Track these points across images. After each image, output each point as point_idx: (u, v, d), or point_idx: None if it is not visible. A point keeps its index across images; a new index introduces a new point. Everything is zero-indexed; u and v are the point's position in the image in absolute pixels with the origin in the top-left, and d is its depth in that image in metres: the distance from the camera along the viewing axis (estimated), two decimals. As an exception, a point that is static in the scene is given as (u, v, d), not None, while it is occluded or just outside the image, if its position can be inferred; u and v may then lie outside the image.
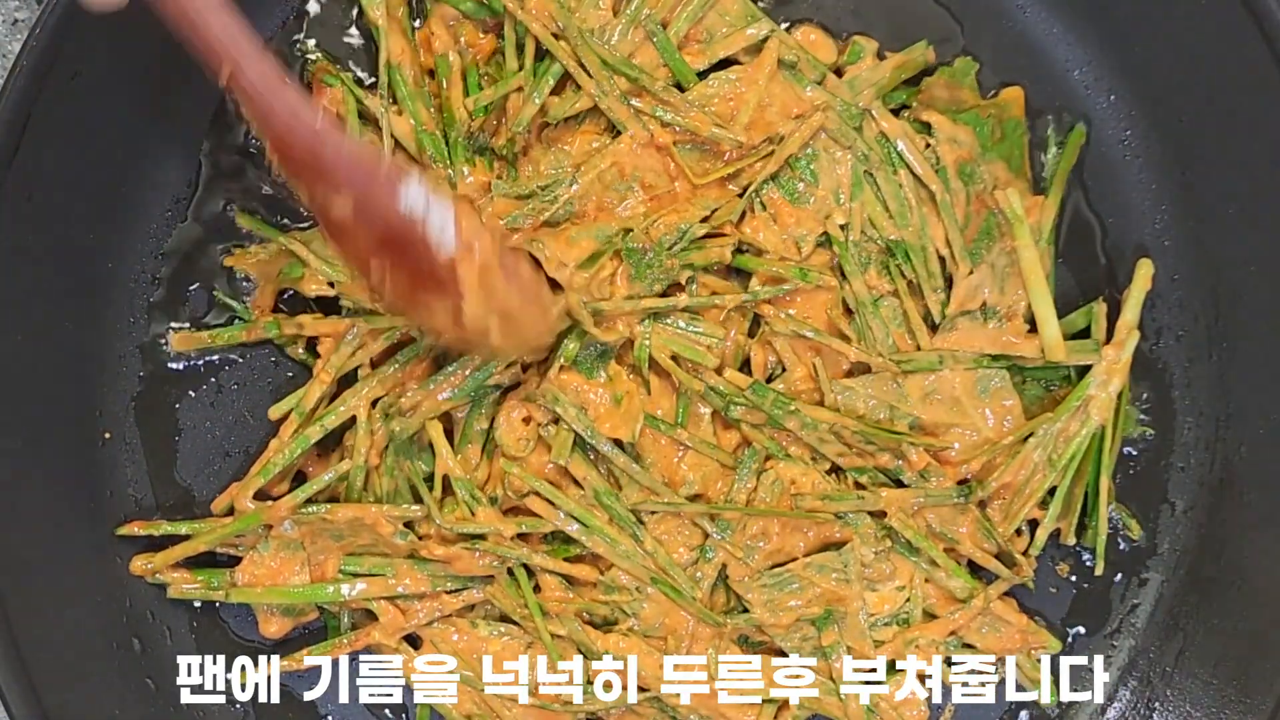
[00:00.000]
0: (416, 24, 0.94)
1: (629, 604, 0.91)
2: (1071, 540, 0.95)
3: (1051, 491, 0.93)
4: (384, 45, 0.91)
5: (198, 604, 0.93)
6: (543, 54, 0.91)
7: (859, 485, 0.92)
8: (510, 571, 0.90)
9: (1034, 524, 0.95)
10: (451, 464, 0.89)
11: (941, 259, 0.93)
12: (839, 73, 0.94)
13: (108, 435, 0.93)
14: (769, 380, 0.92)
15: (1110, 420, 0.92)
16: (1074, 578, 0.98)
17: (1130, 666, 0.98)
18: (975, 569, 0.95)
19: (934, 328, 0.93)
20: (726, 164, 0.91)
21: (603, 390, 0.89)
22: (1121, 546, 0.98)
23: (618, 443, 0.89)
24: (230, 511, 0.91)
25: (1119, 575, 0.98)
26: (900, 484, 0.92)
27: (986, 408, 0.93)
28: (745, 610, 0.91)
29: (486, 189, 0.90)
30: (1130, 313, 0.94)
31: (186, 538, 0.91)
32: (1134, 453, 0.98)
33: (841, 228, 0.92)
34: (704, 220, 0.90)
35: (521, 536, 0.90)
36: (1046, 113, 0.97)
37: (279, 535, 0.90)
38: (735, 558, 0.90)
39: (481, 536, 0.89)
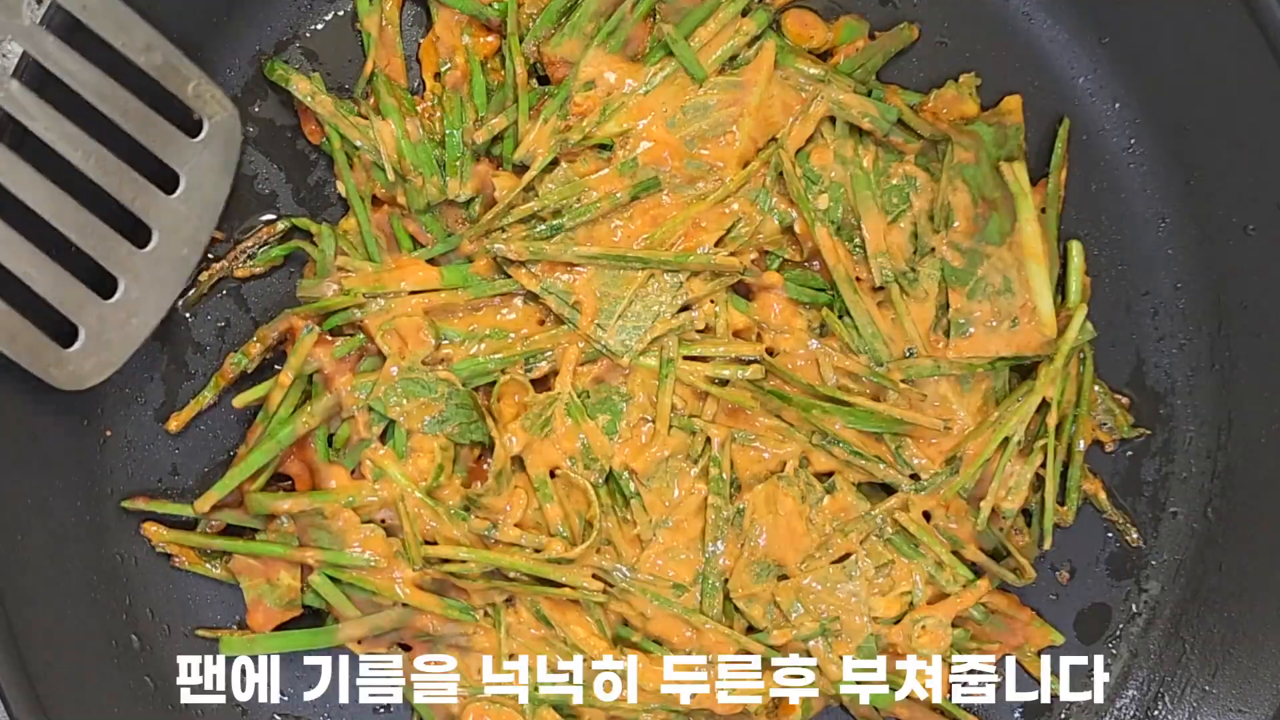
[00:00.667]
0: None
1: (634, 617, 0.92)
2: (1070, 520, 0.96)
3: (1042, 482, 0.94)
4: (371, 54, 0.92)
5: (193, 604, 0.94)
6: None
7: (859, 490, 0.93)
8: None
9: (1028, 516, 0.95)
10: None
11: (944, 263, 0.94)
12: (830, 54, 0.95)
13: (108, 433, 0.93)
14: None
15: (1057, 395, 0.92)
16: (1074, 584, 0.98)
17: (1130, 673, 0.98)
18: (979, 575, 0.95)
19: (947, 332, 0.94)
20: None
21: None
22: (1122, 554, 0.99)
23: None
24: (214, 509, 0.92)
25: (1119, 582, 0.99)
26: (891, 491, 0.93)
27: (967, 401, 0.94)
28: (753, 629, 0.92)
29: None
30: (1073, 295, 0.95)
31: (189, 523, 0.93)
32: (1130, 453, 0.98)
33: (839, 230, 0.92)
34: (716, 244, 0.90)
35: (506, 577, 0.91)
36: (1050, 120, 0.97)
37: (276, 528, 0.91)
38: (738, 577, 0.91)
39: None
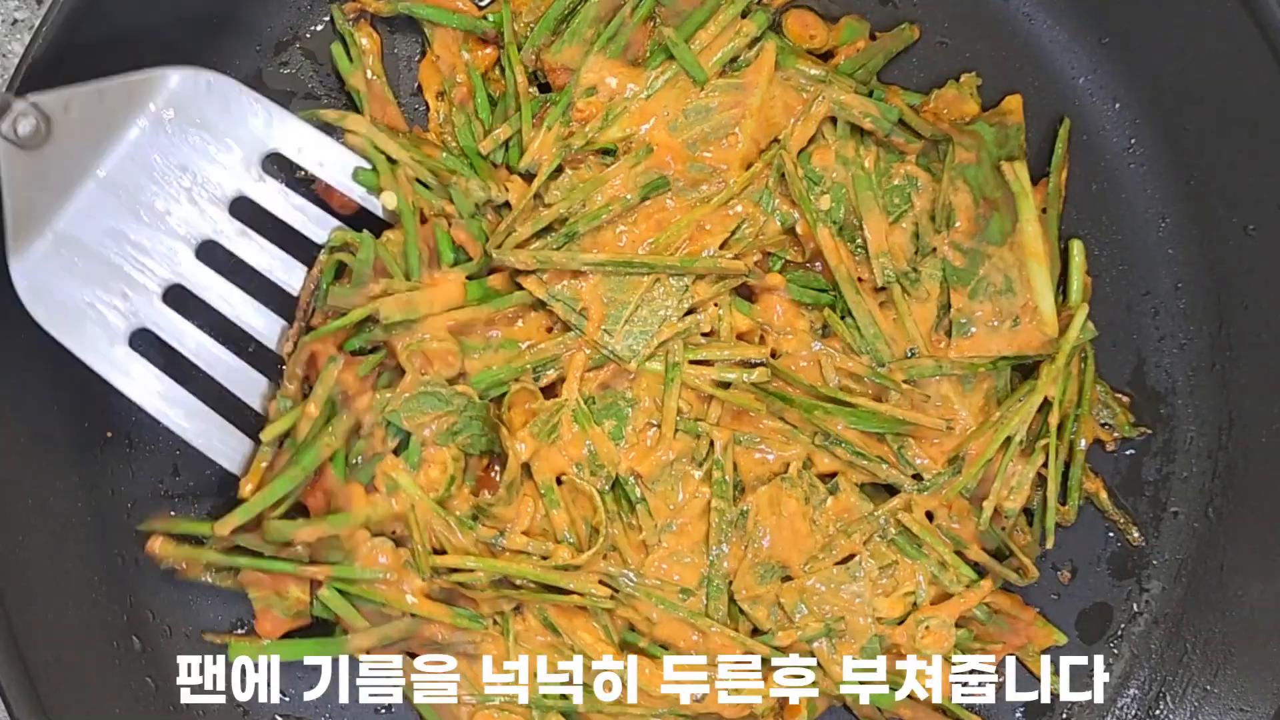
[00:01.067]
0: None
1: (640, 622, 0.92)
2: (1071, 519, 0.96)
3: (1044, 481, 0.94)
4: (366, 112, 0.93)
5: (194, 605, 0.94)
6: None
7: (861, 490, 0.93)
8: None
9: (1029, 515, 0.95)
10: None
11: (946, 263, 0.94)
12: (831, 54, 0.95)
13: (109, 435, 0.93)
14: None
15: (1059, 395, 0.92)
16: (1076, 584, 0.98)
17: (1131, 673, 0.98)
18: (982, 575, 0.94)
19: (948, 332, 0.94)
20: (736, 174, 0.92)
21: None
22: (1123, 553, 0.98)
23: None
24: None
25: (1121, 582, 0.98)
26: (894, 492, 0.93)
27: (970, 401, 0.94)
28: (758, 631, 0.91)
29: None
30: (1074, 295, 0.95)
31: (201, 541, 0.91)
32: (1131, 452, 0.98)
33: (841, 231, 0.92)
34: (721, 246, 0.91)
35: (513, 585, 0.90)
36: (1050, 120, 0.97)
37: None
38: (742, 579, 0.91)
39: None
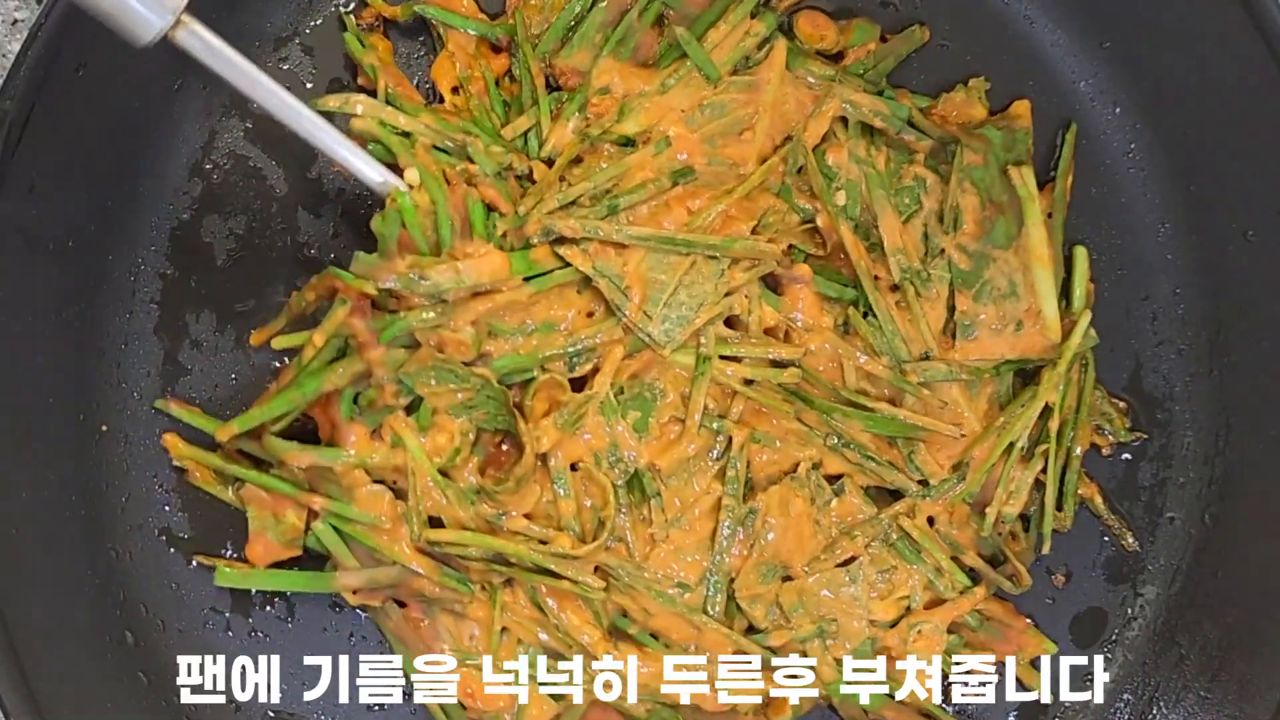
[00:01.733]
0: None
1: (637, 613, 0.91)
2: (1068, 525, 0.96)
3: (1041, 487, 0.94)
4: (381, 79, 0.92)
5: (187, 600, 0.93)
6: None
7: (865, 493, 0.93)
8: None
9: (1024, 519, 0.95)
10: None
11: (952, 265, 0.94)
12: (841, 55, 0.95)
13: (104, 428, 0.92)
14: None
15: (1059, 400, 0.92)
16: (1070, 589, 0.98)
17: (1125, 678, 0.98)
18: (977, 582, 0.94)
19: (953, 335, 0.94)
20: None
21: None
22: (1119, 558, 0.99)
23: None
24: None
25: (1116, 587, 0.99)
26: (899, 496, 0.93)
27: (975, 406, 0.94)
28: (755, 629, 0.91)
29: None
30: (1077, 301, 0.95)
31: (213, 446, 0.91)
32: (1127, 457, 0.99)
33: (856, 229, 0.92)
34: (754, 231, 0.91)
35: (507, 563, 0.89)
36: (1050, 124, 0.97)
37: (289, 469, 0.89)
38: (745, 577, 0.91)
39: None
